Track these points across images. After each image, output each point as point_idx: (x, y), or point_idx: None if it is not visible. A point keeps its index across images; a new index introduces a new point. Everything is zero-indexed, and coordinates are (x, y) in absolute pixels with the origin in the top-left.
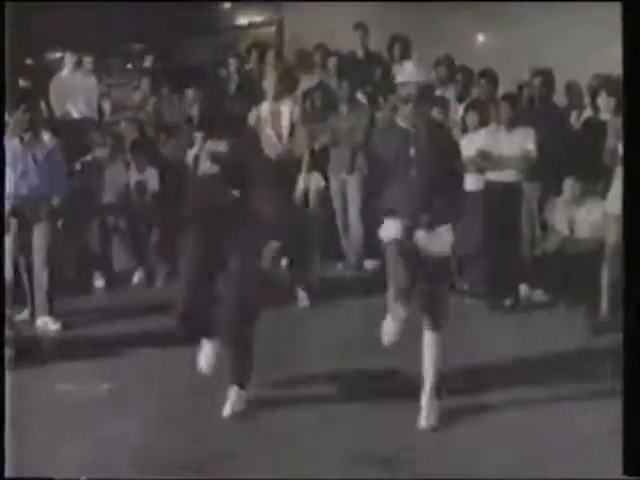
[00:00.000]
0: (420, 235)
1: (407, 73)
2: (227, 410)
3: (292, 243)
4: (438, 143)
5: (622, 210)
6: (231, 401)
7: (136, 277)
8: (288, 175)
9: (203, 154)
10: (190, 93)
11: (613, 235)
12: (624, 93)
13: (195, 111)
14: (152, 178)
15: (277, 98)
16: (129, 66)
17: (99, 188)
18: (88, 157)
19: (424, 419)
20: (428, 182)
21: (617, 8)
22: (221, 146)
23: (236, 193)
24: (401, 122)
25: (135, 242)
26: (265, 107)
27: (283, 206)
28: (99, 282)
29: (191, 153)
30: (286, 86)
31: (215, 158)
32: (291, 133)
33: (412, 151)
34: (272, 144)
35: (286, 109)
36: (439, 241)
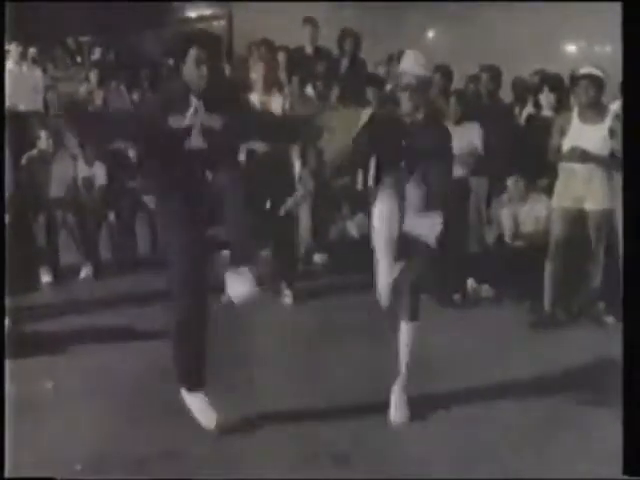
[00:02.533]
0: (408, 219)
1: (409, 62)
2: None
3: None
4: (432, 131)
5: (622, 210)
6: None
7: (83, 272)
8: (276, 166)
9: (196, 126)
10: (194, 53)
11: (557, 230)
12: (624, 93)
13: (195, 75)
14: (100, 172)
15: (266, 90)
16: (78, 59)
17: (45, 183)
18: (34, 151)
19: (396, 414)
20: (421, 168)
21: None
22: (215, 120)
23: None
24: (400, 112)
25: (83, 237)
26: (254, 98)
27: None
28: (46, 277)
29: (183, 122)
30: (274, 78)
31: (207, 133)
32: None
33: (404, 141)
34: None
35: (277, 101)
36: (426, 226)
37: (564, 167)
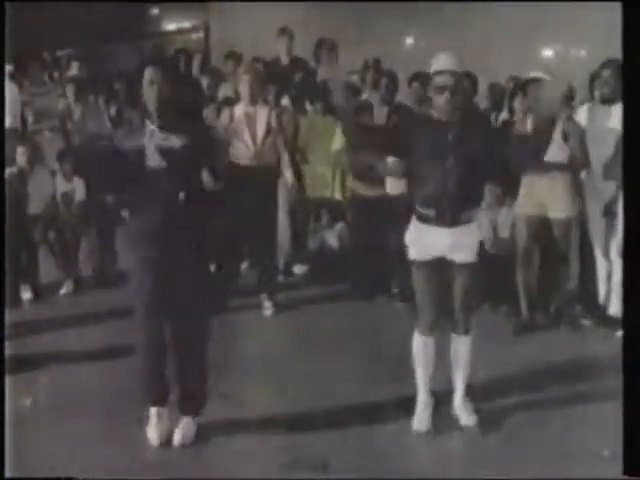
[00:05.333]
0: (443, 244)
1: (442, 62)
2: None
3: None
4: (477, 133)
5: (622, 210)
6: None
7: (64, 288)
8: (260, 179)
9: (152, 146)
10: (148, 73)
11: (522, 237)
12: (624, 93)
13: (151, 96)
14: (79, 188)
15: (252, 101)
16: (55, 74)
17: (24, 199)
18: (14, 168)
19: (465, 418)
20: (465, 174)
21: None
22: (173, 141)
23: (182, 195)
24: (435, 113)
25: (63, 252)
26: (240, 108)
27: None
28: (26, 294)
29: (140, 142)
30: (259, 89)
31: (165, 153)
32: (266, 136)
33: (450, 138)
34: (245, 146)
35: (263, 112)
36: (464, 247)
37: (527, 173)
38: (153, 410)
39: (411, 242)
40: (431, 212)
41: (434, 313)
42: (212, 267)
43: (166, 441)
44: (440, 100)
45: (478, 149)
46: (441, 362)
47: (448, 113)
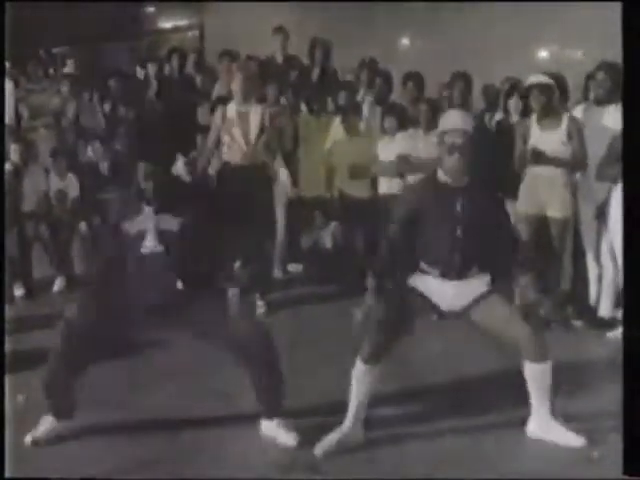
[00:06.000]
0: (446, 295)
1: (453, 120)
2: None
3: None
4: (486, 200)
5: (622, 210)
6: None
7: (57, 285)
8: (253, 178)
9: (150, 230)
10: (142, 168)
11: (522, 235)
12: (624, 93)
13: (147, 184)
14: (73, 185)
15: (246, 99)
16: (51, 71)
17: (18, 196)
18: (8, 165)
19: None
20: (474, 241)
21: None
22: (171, 223)
23: (180, 286)
24: (442, 175)
25: (56, 249)
26: (232, 108)
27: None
28: (19, 291)
29: (135, 225)
30: (253, 88)
31: (163, 237)
32: (260, 135)
33: (458, 207)
34: (239, 146)
35: (256, 111)
36: (467, 297)
37: (528, 172)
38: None
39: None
40: (436, 271)
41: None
42: None
43: None
44: (451, 161)
45: (487, 218)
46: None
47: (459, 175)
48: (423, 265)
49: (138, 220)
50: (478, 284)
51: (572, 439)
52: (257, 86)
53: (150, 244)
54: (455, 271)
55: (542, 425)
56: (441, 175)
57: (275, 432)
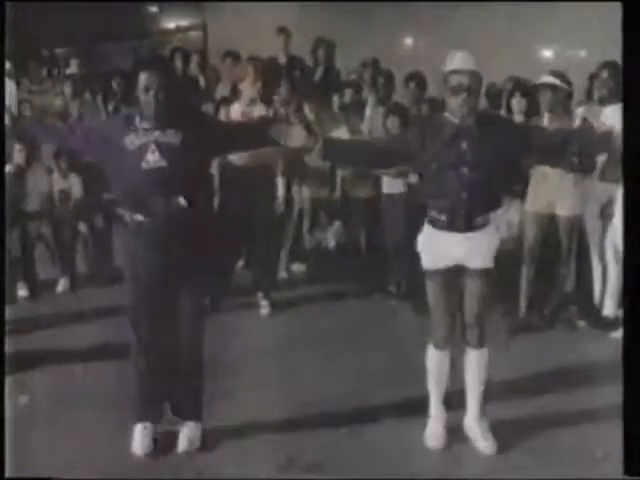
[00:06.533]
0: (458, 251)
1: (458, 61)
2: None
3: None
4: (494, 136)
5: (622, 210)
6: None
7: (60, 285)
8: (256, 178)
9: (150, 144)
10: (143, 79)
11: (531, 234)
12: (624, 93)
13: (148, 101)
14: (75, 185)
15: (251, 100)
16: (54, 72)
17: (21, 196)
18: (10, 166)
19: (482, 443)
20: (481, 179)
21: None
22: (171, 136)
23: (183, 201)
24: (449, 115)
25: (59, 250)
26: (236, 108)
27: (250, 210)
28: (22, 291)
29: (135, 141)
30: (258, 88)
31: (165, 150)
32: None
33: (464, 146)
34: None
35: (261, 112)
36: (480, 253)
37: (536, 171)
38: (139, 426)
39: (424, 249)
40: (444, 217)
41: (449, 326)
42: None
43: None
44: (456, 102)
45: (495, 154)
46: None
47: (464, 115)
48: (431, 213)
49: (139, 135)
50: (487, 238)
51: (483, 446)
52: (262, 87)
53: (152, 158)
54: (462, 216)
55: (469, 421)
56: (447, 116)
57: None
